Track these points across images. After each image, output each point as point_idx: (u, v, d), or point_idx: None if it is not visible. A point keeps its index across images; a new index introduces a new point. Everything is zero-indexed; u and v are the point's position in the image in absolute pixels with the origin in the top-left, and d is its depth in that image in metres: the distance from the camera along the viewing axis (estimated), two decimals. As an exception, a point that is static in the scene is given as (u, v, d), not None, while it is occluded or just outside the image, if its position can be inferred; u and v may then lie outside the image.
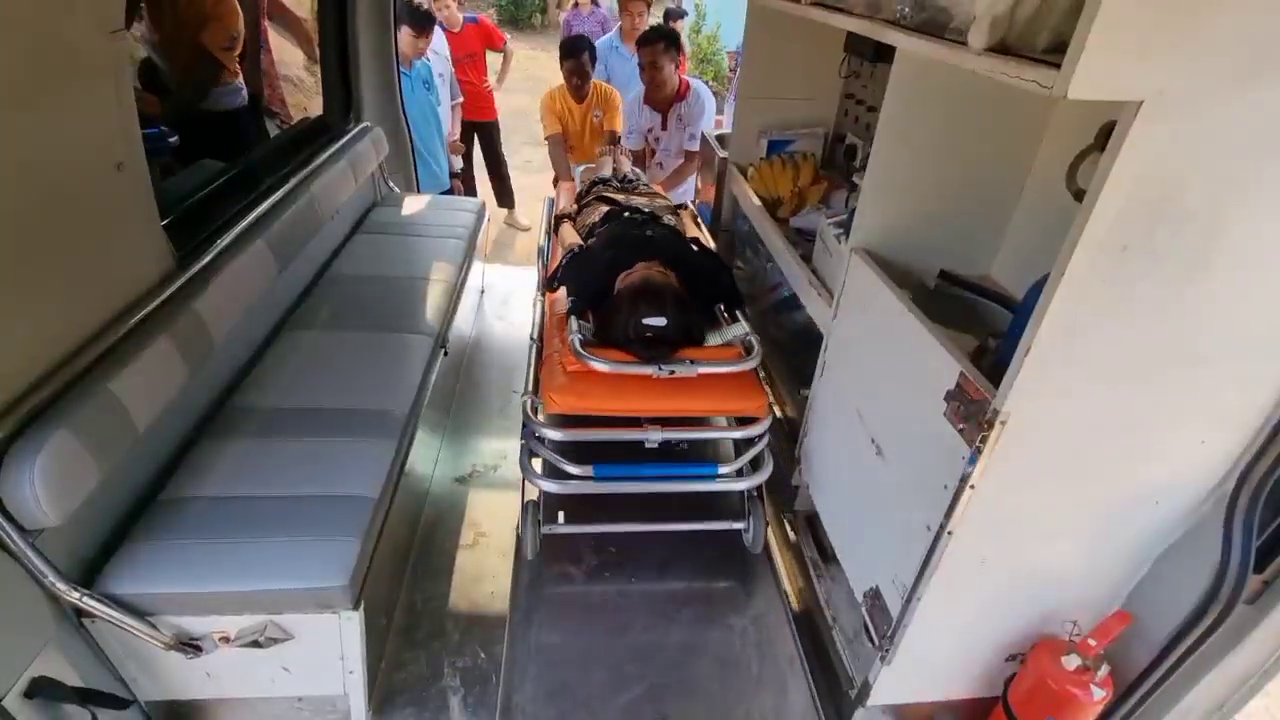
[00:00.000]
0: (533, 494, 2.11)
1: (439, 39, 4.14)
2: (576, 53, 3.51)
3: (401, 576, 2.07)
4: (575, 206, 2.78)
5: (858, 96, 2.63)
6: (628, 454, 1.96)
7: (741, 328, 2.01)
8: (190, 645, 1.47)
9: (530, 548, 2.10)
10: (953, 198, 1.71)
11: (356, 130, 3.12)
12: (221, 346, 1.87)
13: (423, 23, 3.67)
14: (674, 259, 2.03)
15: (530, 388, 2.01)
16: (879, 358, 1.63)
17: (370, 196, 3.32)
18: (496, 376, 3.11)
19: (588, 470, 1.91)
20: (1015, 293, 1.74)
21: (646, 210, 2.50)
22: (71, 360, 1.40)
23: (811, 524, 2.23)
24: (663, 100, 3.54)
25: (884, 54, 2.34)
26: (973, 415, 1.22)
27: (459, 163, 4.54)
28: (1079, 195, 1.38)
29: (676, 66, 3.41)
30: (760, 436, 1.97)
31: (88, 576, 1.41)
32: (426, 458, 2.46)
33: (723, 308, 2.16)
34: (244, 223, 2.08)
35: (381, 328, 2.35)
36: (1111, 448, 1.22)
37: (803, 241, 2.35)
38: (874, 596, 1.62)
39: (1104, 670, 1.42)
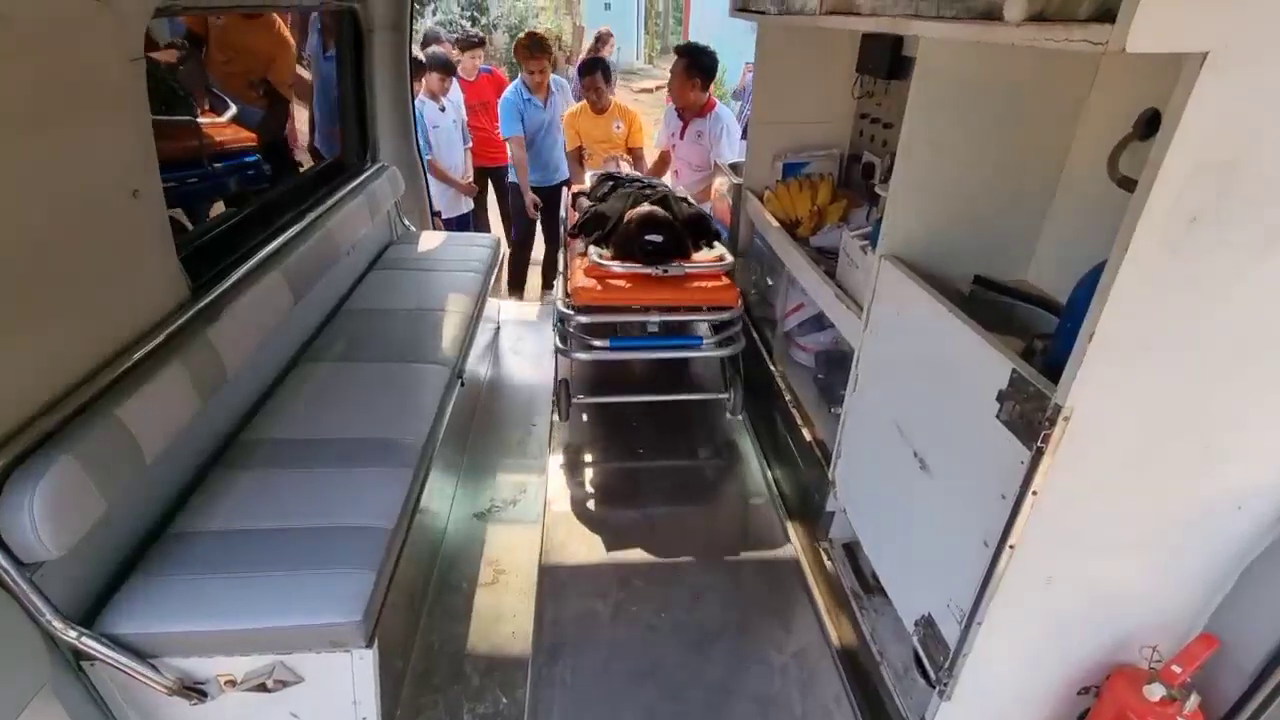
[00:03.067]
0: (564, 372, 2.79)
1: (454, 88, 4.42)
2: (591, 71, 4.04)
3: (418, 617, 1.97)
4: (589, 188, 3.34)
5: (872, 115, 2.62)
6: (634, 334, 2.63)
7: (719, 248, 2.67)
8: (194, 690, 1.37)
9: (562, 412, 2.71)
10: (983, 200, 1.65)
11: (373, 170, 3.15)
12: (237, 379, 1.82)
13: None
14: (668, 206, 2.65)
15: (561, 292, 2.72)
16: (917, 366, 1.55)
17: (386, 234, 3.34)
18: (513, 410, 3.05)
19: (605, 344, 2.53)
20: (1057, 296, 1.66)
21: (645, 182, 3.11)
22: (80, 387, 1.36)
23: (850, 552, 2.10)
24: (685, 109, 3.79)
25: (898, 70, 2.34)
26: (1031, 414, 1.13)
27: (468, 204, 4.62)
28: (1123, 183, 1.32)
29: (695, 87, 3.66)
30: (734, 320, 2.57)
31: (90, 615, 1.34)
32: (443, 493, 2.38)
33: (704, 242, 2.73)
34: (260, 255, 2.07)
35: (397, 358, 2.31)
36: (1186, 445, 1.12)
37: (825, 260, 2.30)
38: (927, 624, 1.49)
39: (1193, 701, 1.27)
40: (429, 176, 4.19)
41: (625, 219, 2.54)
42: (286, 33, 3.60)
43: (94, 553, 1.39)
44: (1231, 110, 0.83)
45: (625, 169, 3.75)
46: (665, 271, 2.45)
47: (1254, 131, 0.85)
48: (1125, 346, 0.99)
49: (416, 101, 4.14)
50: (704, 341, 2.64)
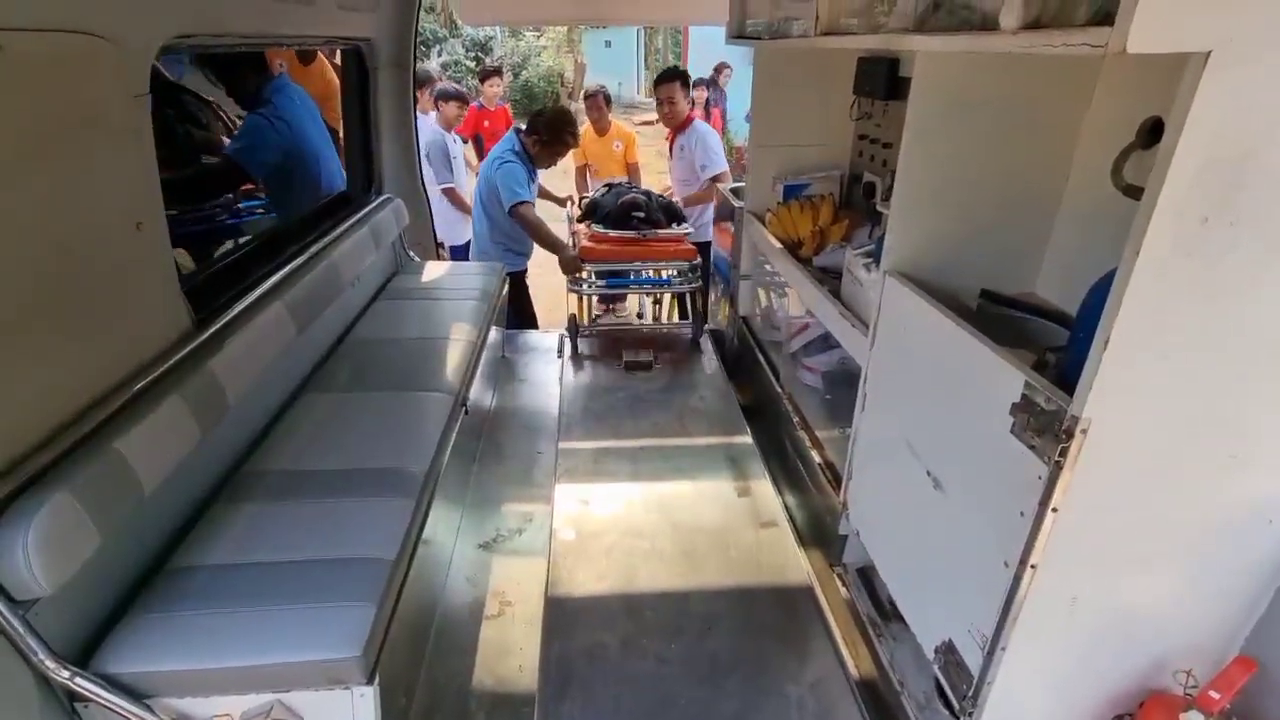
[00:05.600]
0: (573, 308, 3.77)
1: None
2: (594, 96, 4.71)
3: (422, 651, 1.91)
4: (592, 193, 4.26)
5: (871, 136, 2.62)
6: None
7: (686, 226, 3.75)
8: (190, 732, 1.33)
9: (572, 340, 3.67)
10: (987, 214, 1.64)
11: (378, 201, 3.19)
12: (239, 411, 1.81)
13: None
14: (648, 197, 3.76)
15: (575, 250, 3.64)
16: (926, 382, 1.52)
17: (391, 265, 3.36)
18: (519, 438, 3.01)
19: (604, 283, 3.72)
20: (1066, 308, 1.63)
21: (633, 186, 4.19)
22: (80, 419, 1.34)
23: (865, 578, 2.04)
24: (673, 129, 4.35)
25: (895, 91, 2.35)
26: (1047, 428, 1.10)
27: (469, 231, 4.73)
28: (1129, 191, 1.30)
29: (686, 98, 4.27)
30: (693, 268, 3.61)
31: (85, 654, 1.30)
32: (447, 524, 2.34)
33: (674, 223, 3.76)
34: (263, 287, 2.07)
35: (401, 387, 2.29)
36: (1210, 455, 1.08)
37: (828, 279, 2.29)
38: (947, 651, 1.43)
39: (1234, 728, 1.21)
40: (447, 204, 4.41)
41: (619, 204, 3.66)
42: (333, 75, 3.96)
43: (90, 589, 1.35)
44: (1237, 109, 0.81)
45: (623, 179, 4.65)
46: (645, 236, 3.57)
47: (1261, 129, 0.83)
48: (1141, 352, 0.96)
49: (434, 132, 4.29)
50: (673, 279, 3.73)
